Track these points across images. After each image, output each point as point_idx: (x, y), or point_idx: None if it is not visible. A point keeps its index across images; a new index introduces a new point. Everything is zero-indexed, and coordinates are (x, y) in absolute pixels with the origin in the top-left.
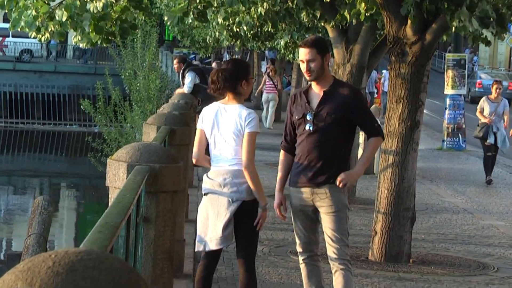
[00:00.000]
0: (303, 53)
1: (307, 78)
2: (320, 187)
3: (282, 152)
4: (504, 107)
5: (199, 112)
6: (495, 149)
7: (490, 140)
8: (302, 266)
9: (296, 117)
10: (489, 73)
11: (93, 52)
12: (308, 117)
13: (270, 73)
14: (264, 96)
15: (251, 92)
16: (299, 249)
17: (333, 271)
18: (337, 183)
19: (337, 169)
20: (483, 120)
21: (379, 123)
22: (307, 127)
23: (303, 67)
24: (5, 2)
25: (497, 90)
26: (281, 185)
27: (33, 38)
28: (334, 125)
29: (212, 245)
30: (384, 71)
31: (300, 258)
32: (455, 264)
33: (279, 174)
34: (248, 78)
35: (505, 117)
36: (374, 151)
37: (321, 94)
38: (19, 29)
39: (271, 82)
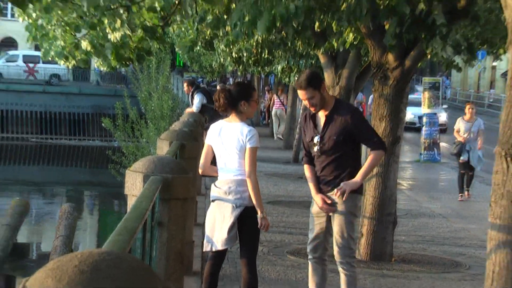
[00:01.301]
0: (301, 94)
1: (313, 111)
2: (332, 191)
3: (306, 166)
4: (478, 126)
5: (206, 129)
6: (470, 168)
7: (464, 157)
8: (309, 264)
9: (307, 139)
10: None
11: (113, 76)
12: (315, 140)
13: (278, 92)
14: (273, 111)
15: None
16: (308, 248)
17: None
18: (335, 193)
19: (347, 179)
20: (458, 138)
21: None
22: (315, 149)
23: (306, 103)
24: (38, 35)
25: (470, 110)
26: (316, 188)
27: (61, 65)
28: (337, 145)
29: (219, 245)
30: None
31: (308, 256)
32: (431, 263)
33: (311, 183)
34: (249, 100)
35: (479, 138)
36: (374, 164)
37: (324, 118)
38: (50, 58)
39: (279, 100)
